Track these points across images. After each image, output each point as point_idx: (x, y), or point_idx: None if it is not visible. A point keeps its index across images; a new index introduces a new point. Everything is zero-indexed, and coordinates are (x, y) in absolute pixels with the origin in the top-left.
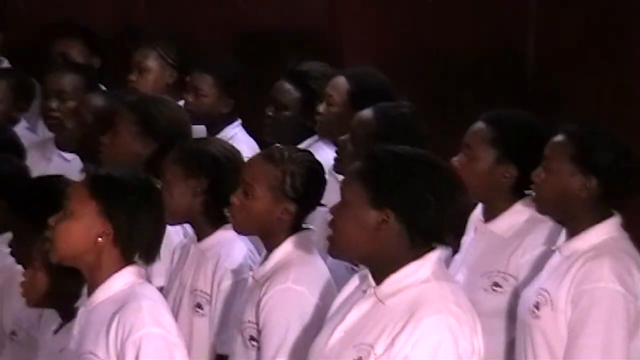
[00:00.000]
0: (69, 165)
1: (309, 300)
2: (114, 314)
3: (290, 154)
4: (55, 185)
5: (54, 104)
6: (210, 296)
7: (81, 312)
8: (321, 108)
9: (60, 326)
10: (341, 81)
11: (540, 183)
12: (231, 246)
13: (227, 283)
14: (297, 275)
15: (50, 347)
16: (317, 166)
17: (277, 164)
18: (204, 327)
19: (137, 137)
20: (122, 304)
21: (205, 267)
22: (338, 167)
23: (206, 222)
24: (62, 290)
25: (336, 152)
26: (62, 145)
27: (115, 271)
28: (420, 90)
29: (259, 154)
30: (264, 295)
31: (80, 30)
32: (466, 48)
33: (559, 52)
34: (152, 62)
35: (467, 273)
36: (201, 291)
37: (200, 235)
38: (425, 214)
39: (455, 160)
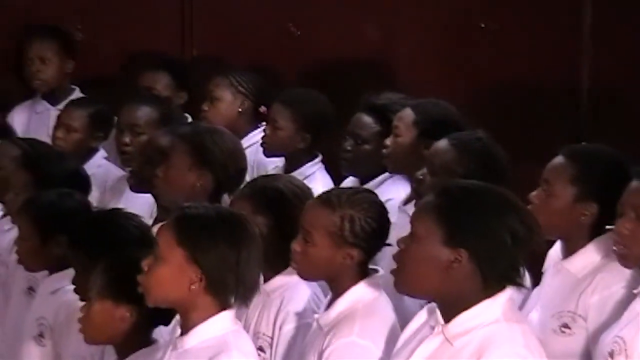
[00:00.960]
0: (143, 197)
1: (374, 354)
2: None
3: (348, 197)
4: (110, 218)
5: (127, 138)
6: (272, 339)
7: (170, 353)
8: (388, 141)
9: None
10: (407, 113)
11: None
12: (296, 289)
13: (289, 327)
14: (362, 328)
15: None
16: (378, 207)
17: (335, 209)
18: None
19: (191, 168)
20: (215, 353)
21: (269, 310)
22: (417, 202)
23: (271, 263)
24: (124, 327)
25: (413, 188)
26: (130, 182)
27: (210, 315)
28: (477, 119)
29: (315, 199)
30: (327, 346)
31: (167, 63)
32: (521, 77)
33: (612, 84)
34: (224, 91)
35: (541, 312)
36: (263, 334)
37: (266, 276)
38: (501, 255)
39: (534, 195)
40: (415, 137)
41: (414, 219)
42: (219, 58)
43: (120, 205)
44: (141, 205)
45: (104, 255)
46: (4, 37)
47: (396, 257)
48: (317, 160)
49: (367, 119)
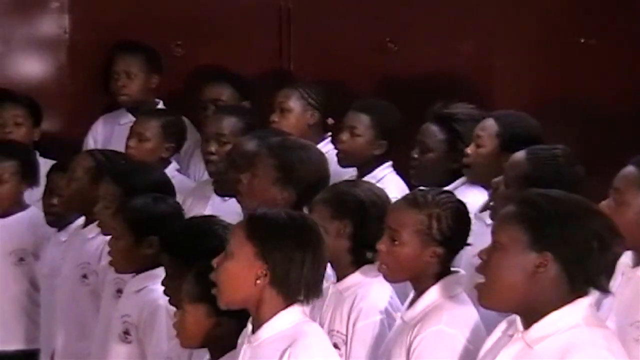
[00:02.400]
0: (227, 205)
1: (461, 343)
2: (284, 350)
3: (433, 196)
4: (206, 226)
5: (213, 147)
6: (346, 336)
7: (245, 348)
8: (469, 149)
9: None
10: (490, 123)
11: None
12: (369, 287)
13: (362, 323)
14: (450, 318)
15: None
16: (462, 207)
17: (422, 208)
18: None
19: (275, 183)
20: (291, 340)
21: (342, 307)
22: (492, 211)
23: (347, 264)
24: (218, 331)
25: (490, 195)
26: (214, 186)
27: (280, 309)
28: (570, 133)
29: (402, 200)
30: (415, 337)
31: (230, 76)
32: (620, 92)
33: None
34: (294, 103)
35: (617, 321)
36: (337, 331)
37: (340, 276)
38: (588, 259)
39: (604, 204)
40: (497, 148)
41: (496, 229)
42: (315, 72)
43: (206, 212)
44: (229, 212)
45: (197, 261)
46: (108, 55)
47: (480, 269)
48: (387, 164)
49: (433, 128)
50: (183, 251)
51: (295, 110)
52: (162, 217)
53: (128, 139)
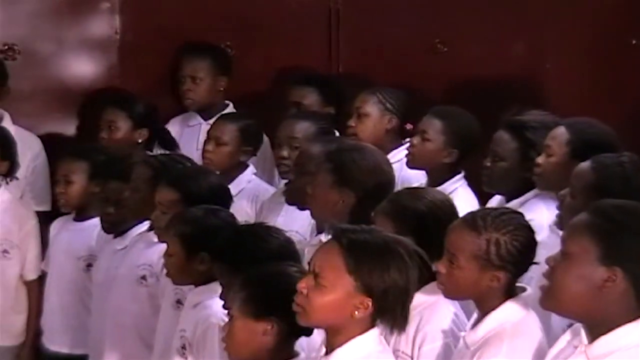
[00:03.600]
0: (300, 212)
1: None
2: None
3: (492, 219)
4: (256, 233)
5: (285, 152)
6: (411, 358)
7: None
8: (540, 159)
9: None
10: (561, 131)
11: None
12: (435, 308)
13: (428, 347)
14: (510, 349)
15: None
16: (524, 229)
17: (480, 232)
18: None
19: (333, 186)
20: None
21: (408, 328)
22: (560, 222)
23: None
24: (268, 343)
25: (558, 207)
26: (285, 195)
27: (359, 334)
28: (622, 135)
29: (461, 221)
30: None
31: (316, 78)
32: None
33: None
34: (371, 108)
35: None
36: (403, 352)
37: None
38: None
39: None
40: (568, 156)
41: (566, 237)
42: (364, 74)
43: (279, 219)
44: (301, 218)
45: (244, 269)
46: (158, 56)
47: (546, 275)
48: (459, 176)
49: (505, 136)
50: (230, 260)
51: (373, 115)
52: (212, 231)
53: (205, 143)
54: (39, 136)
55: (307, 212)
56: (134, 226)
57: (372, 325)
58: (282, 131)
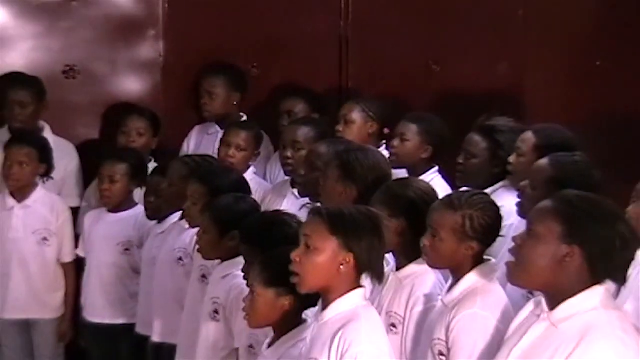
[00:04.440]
0: (300, 202)
1: (493, 324)
2: (338, 329)
3: (467, 199)
4: (278, 218)
5: (289, 153)
6: (404, 318)
7: (314, 326)
8: (512, 159)
9: (273, 341)
10: (529, 135)
11: None
12: (424, 277)
13: (418, 309)
14: (483, 302)
15: (266, 359)
16: (492, 206)
17: (457, 209)
18: (395, 346)
19: (338, 180)
20: (346, 321)
21: (401, 293)
22: (520, 209)
23: (404, 255)
24: (281, 313)
25: (518, 196)
26: (298, 188)
27: (346, 292)
28: (599, 146)
29: (440, 202)
30: (453, 318)
31: (304, 91)
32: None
33: None
34: (356, 115)
35: (635, 304)
36: (395, 313)
37: (399, 266)
38: (610, 255)
39: (630, 210)
40: (535, 157)
41: (533, 219)
42: (368, 89)
43: (282, 208)
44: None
45: (269, 249)
46: (196, 75)
47: (513, 251)
48: (435, 169)
49: (477, 138)
50: (258, 240)
51: (357, 122)
52: (242, 213)
53: (225, 148)
54: (96, 142)
55: (302, 202)
56: (170, 214)
57: (358, 286)
58: (287, 135)
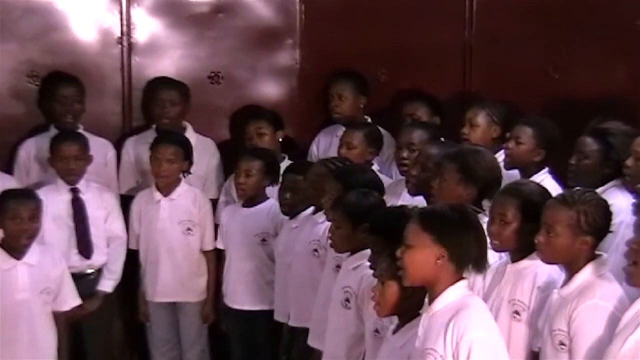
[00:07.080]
0: (414, 201)
1: (613, 313)
2: (450, 319)
3: (579, 196)
4: (401, 212)
5: (405, 154)
6: (528, 306)
7: (424, 318)
8: (629, 162)
9: (398, 327)
10: None
11: None
12: (544, 267)
13: (541, 295)
14: (603, 293)
15: (392, 344)
16: (604, 202)
17: (571, 205)
18: (520, 332)
19: (459, 182)
20: (455, 311)
21: (523, 282)
22: (637, 210)
23: (520, 249)
24: (407, 302)
25: (634, 197)
26: (408, 187)
27: (450, 285)
28: None
29: (554, 199)
30: (574, 309)
31: (426, 96)
32: None
33: None
34: (481, 119)
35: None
36: (519, 300)
37: (514, 258)
38: None
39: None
40: None
41: None
42: (490, 95)
43: (398, 204)
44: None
45: (395, 240)
46: (329, 81)
47: (628, 255)
48: (545, 170)
49: (589, 140)
50: (385, 232)
51: (482, 125)
52: (370, 207)
53: (342, 147)
54: (235, 142)
55: (421, 200)
56: (303, 210)
57: (461, 278)
58: (402, 137)
